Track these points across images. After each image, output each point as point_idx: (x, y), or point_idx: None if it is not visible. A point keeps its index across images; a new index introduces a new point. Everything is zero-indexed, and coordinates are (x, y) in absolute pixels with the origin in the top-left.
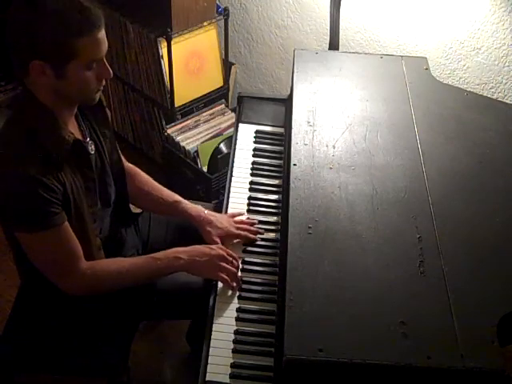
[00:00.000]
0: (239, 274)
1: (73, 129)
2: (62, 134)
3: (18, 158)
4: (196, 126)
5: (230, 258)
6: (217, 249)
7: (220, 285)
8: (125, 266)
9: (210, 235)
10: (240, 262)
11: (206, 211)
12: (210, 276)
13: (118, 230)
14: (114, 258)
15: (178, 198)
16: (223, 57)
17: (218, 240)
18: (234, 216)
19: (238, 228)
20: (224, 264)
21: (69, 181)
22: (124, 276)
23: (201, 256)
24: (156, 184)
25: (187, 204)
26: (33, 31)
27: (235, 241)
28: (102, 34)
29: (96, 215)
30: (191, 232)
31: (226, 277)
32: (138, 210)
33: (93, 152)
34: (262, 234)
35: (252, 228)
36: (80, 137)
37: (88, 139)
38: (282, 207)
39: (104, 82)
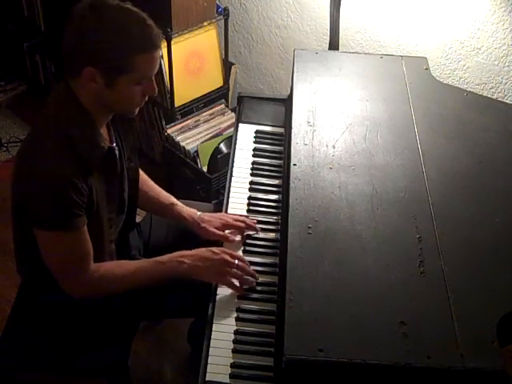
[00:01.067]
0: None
1: (104, 133)
2: (99, 141)
3: (54, 157)
4: (196, 126)
5: (235, 261)
6: (220, 253)
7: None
8: (130, 269)
9: (205, 230)
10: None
11: (198, 213)
12: (214, 281)
13: (122, 234)
14: (119, 260)
15: (173, 200)
16: (223, 57)
17: (215, 231)
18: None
19: (235, 219)
20: (228, 269)
21: (95, 185)
22: (128, 280)
23: (204, 261)
24: (154, 185)
25: (182, 207)
26: (93, 40)
27: (237, 238)
28: (159, 53)
29: (113, 221)
30: (192, 233)
31: (230, 281)
32: (139, 218)
33: (117, 157)
34: (258, 231)
35: (249, 220)
36: (108, 142)
37: (114, 144)
38: (282, 207)
39: (146, 98)
